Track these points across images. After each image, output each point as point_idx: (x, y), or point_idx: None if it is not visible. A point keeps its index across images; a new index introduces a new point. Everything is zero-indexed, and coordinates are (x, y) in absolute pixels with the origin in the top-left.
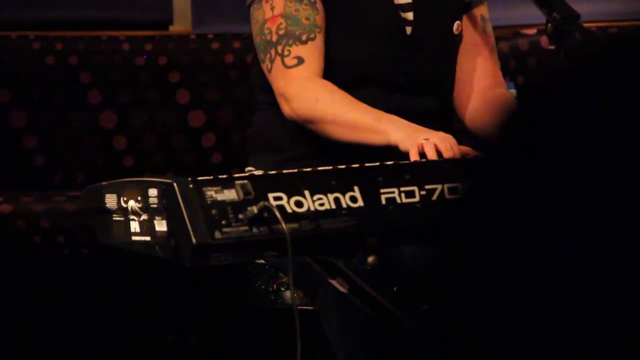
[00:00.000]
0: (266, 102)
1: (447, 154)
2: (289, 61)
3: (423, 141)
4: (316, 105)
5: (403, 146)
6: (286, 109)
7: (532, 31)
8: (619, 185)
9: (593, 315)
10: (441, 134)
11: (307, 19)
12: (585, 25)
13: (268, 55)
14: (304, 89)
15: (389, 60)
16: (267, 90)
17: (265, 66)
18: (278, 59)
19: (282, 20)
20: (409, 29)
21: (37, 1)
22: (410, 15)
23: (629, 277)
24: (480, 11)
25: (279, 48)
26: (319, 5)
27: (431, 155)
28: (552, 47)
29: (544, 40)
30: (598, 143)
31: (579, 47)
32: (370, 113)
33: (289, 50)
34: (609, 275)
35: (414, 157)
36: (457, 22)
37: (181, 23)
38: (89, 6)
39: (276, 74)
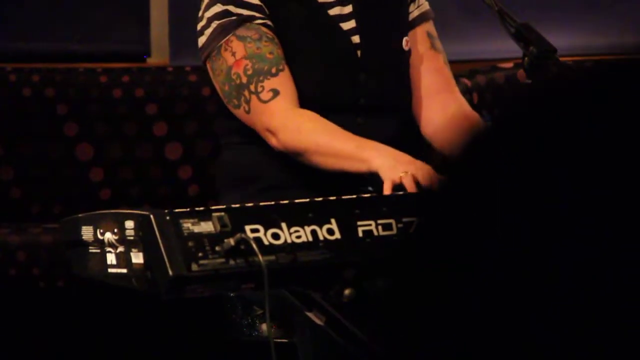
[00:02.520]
0: (231, 142)
1: (424, 183)
2: (265, 96)
3: (402, 174)
4: (300, 136)
5: (383, 175)
6: (273, 142)
7: (509, 65)
8: (608, 198)
9: (585, 328)
10: (419, 164)
11: (270, 53)
12: (561, 59)
13: (243, 98)
14: (287, 119)
15: (346, 85)
16: (231, 131)
17: (242, 110)
18: (254, 97)
19: (247, 62)
20: (359, 52)
21: (13, 33)
22: (357, 39)
23: (620, 289)
24: (426, 28)
25: (252, 87)
26: (276, 40)
27: (410, 188)
28: (529, 81)
29: (520, 73)
30: (587, 158)
31: (564, 71)
32: (353, 141)
33: (262, 86)
34: (600, 287)
35: (387, 190)
36: (405, 38)
37: (158, 55)
38: (66, 38)
39: (255, 111)
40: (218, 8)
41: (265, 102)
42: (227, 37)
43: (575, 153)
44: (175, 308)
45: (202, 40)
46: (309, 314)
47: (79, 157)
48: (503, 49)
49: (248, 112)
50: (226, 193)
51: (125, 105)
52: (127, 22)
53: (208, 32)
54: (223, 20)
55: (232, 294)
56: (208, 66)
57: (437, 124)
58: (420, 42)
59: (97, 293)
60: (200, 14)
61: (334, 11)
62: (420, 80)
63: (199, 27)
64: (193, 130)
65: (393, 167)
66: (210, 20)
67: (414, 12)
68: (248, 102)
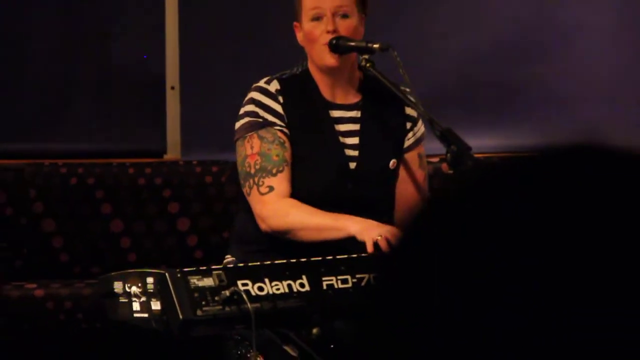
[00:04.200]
0: (243, 208)
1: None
2: (263, 189)
3: (378, 237)
4: (287, 218)
5: (360, 237)
6: (263, 226)
7: (436, 159)
8: (536, 267)
9: None
10: (388, 227)
11: (277, 155)
12: (475, 155)
13: (247, 183)
14: (276, 208)
15: (335, 190)
16: (244, 199)
17: (245, 190)
18: (255, 187)
19: (258, 157)
20: (353, 164)
21: (63, 137)
22: (355, 153)
23: (548, 357)
24: (418, 151)
25: (256, 179)
26: (287, 144)
27: (385, 248)
28: (451, 171)
29: (444, 166)
30: (514, 228)
31: (477, 164)
32: (330, 216)
33: (263, 181)
34: (529, 356)
35: (370, 248)
36: (392, 160)
37: (173, 152)
38: (104, 140)
39: (254, 198)
40: (252, 108)
41: (262, 194)
42: (251, 133)
43: (499, 229)
44: (186, 344)
45: (236, 125)
46: (286, 348)
47: (112, 230)
48: (431, 147)
49: (249, 194)
50: (235, 248)
51: (148, 190)
52: (148, 128)
53: (241, 122)
54: (252, 119)
55: (228, 333)
56: (236, 145)
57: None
58: (411, 162)
59: (126, 332)
60: (243, 102)
61: (343, 127)
62: (404, 193)
63: (239, 113)
64: (198, 209)
65: (367, 229)
66: (245, 114)
67: (411, 139)
68: (251, 188)
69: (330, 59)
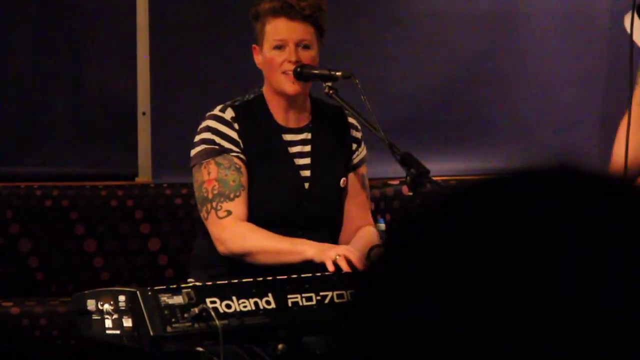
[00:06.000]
0: (201, 232)
1: (356, 262)
2: (221, 213)
3: (337, 256)
4: (245, 242)
5: (318, 259)
6: (221, 249)
7: (396, 182)
8: (511, 290)
9: None
10: (346, 246)
11: (233, 181)
12: (433, 178)
13: (205, 208)
14: (234, 231)
15: (292, 208)
16: (202, 223)
17: (202, 215)
18: (213, 212)
19: (215, 183)
20: (307, 184)
21: (38, 161)
22: (308, 173)
23: None
24: (362, 170)
25: (214, 204)
26: (243, 169)
27: (345, 267)
28: (410, 193)
29: (404, 188)
30: (490, 250)
31: (435, 187)
32: (287, 240)
33: (221, 206)
34: None
35: (330, 267)
36: (343, 178)
37: (144, 175)
38: (77, 164)
39: (211, 222)
40: (208, 135)
41: (220, 218)
42: (207, 159)
43: (475, 251)
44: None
45: (192, 152)
46: None
47: (85, 249)
48: (392, 170)
49: (206, 219)
50: (197, 272)
51: (120, 211)
52: (120, 152)
53: (197, 149)
54: (208, 146)
55: (197, 349)
56: (193, 170)
57: (349, 240)
58: (354, 180)
59: (98, 348)
60: (198, 130)
61: (295, 149)
62: (349, 210)
63: (194, 140)
64: (168, 229)
65: (324, 251)
66: (201, 141)
67: (356, 158)
68: (208, 212)
69: (292, 87)
